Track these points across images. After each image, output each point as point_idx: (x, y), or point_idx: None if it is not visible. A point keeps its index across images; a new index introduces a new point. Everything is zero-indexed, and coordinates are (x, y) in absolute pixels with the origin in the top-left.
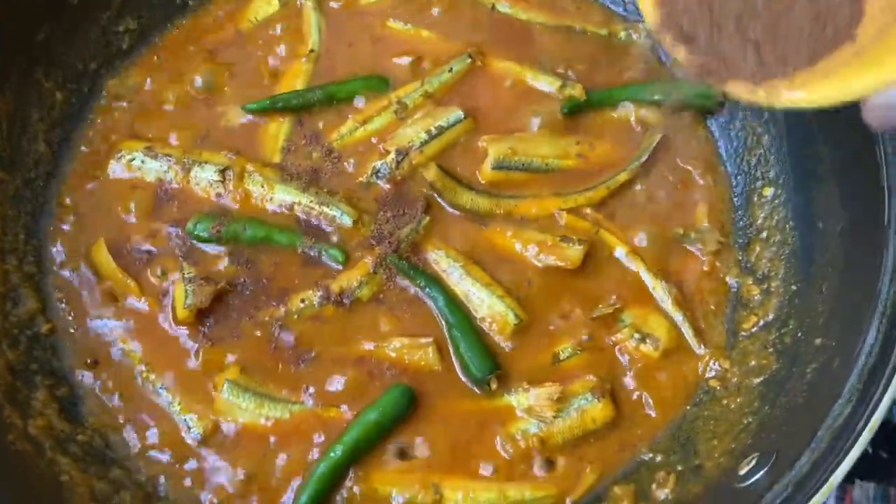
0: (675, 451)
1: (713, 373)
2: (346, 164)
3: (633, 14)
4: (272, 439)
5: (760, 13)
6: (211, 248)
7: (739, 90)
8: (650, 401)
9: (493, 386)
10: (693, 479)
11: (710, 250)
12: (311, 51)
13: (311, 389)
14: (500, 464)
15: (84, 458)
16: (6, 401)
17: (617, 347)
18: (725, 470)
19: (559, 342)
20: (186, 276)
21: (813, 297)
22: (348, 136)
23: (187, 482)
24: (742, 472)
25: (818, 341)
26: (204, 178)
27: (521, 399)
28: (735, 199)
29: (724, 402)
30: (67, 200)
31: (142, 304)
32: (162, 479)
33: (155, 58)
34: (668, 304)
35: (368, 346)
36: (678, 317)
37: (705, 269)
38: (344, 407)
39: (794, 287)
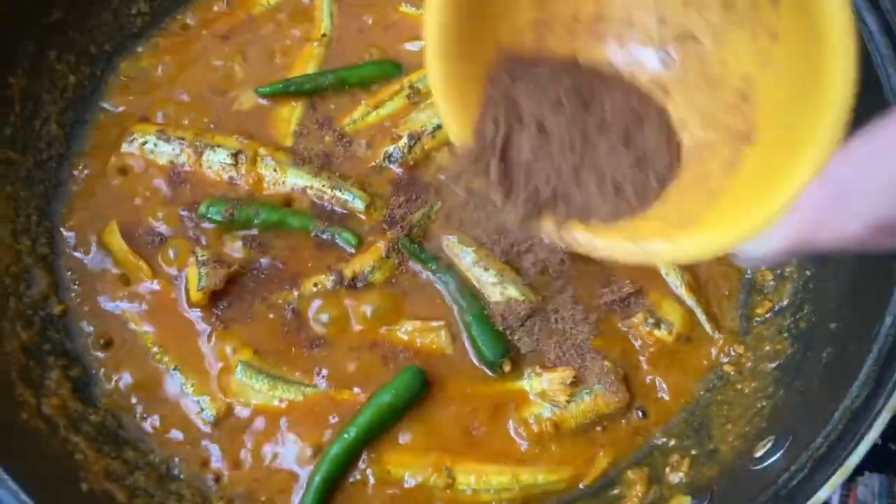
0: (689, 435)
1: (727, 358)
2: (358, 148)
3: None
4: (285, 421)
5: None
6: (224, 232)
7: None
8: (664, 385)
9: (507, 368)
10: (707, 463)
11: None
12: (324, 35)
13: (325, 372)
14: (513, 448)
15: (97, 437)
16: (20, 380)
17: (630, 332)
18: (740, 453)
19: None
20: (200, 258)
21: (827, 282)
22: (360, 120)
23: (201, 463)
24: (758, 454)
25: (833, 325)
26: (216, 161)
27: (535, 383)
28: None
29: (739, 386)
30: (80, 182)
31: (155, 286)
32: (176, 461)
33: (168, 41)
34: (681, 290)
35: (381, 329)
36: (691, 302)
37: None
38: (357, 389)
39: (808, 272)
